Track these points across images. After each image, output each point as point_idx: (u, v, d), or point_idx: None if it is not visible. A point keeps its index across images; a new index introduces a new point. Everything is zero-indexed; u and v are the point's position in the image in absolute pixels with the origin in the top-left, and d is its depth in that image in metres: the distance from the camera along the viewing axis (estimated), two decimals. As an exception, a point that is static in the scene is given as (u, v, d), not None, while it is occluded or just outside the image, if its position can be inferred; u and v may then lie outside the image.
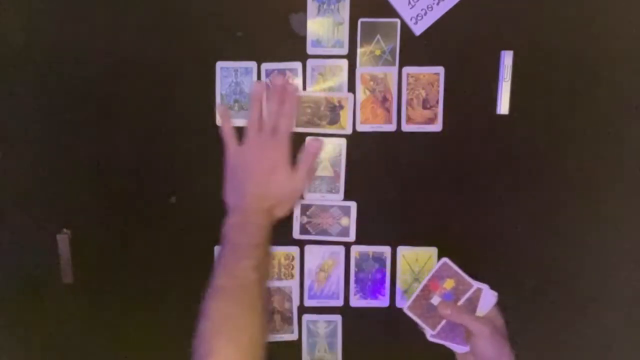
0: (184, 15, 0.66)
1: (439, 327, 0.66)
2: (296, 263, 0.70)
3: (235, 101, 0.67)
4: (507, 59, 0.66)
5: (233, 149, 0.67)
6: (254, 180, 0.65)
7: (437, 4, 0.65)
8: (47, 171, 0.69)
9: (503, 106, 0.67)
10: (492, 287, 0.66)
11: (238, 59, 0.67)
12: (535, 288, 0.71)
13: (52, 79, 0.67)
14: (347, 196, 0.69)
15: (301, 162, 0.67)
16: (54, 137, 0.68)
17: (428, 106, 0.67)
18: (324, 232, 0.70)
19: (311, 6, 0.65)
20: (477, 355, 0.62)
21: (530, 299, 0.71)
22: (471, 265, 0.69)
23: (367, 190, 0.69)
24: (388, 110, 0.67)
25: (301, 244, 0.70)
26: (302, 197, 0.69)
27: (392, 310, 0.71)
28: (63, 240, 0.69)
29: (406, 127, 0.68)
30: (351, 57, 0.67)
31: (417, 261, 0.70)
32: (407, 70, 0.67)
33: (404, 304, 0.67)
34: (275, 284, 0.70)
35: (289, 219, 0.69)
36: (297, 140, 0.67)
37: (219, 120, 0.67)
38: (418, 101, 0.67)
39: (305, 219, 0.69)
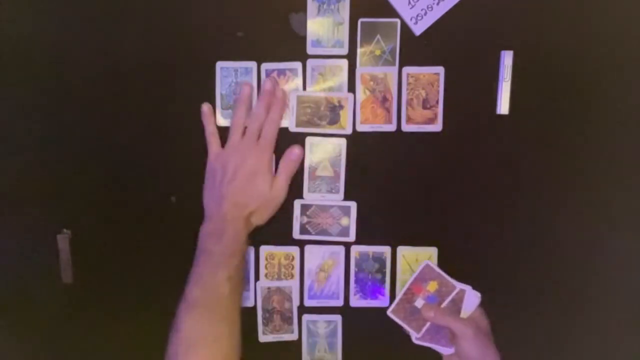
0: (184, 15, 0.66)
1: (423, 330, 0.66)
2: (296, 263, 0.70)
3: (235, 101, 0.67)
4: (507, 59, 0.66)
5: (214, 152, 0.66)
6: (232, 185, 0.63)
7: (437, 4, 0.65)
8: (47, 171, 0.69)
9: (503, 106, 0.67)
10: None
11: (238, 59, 0.67)
12: (536, 288, 0.71)
13: (52, 79, 0.67)
14: (347, 196, 0.69)
15: (281, 170, 0.66)
16: (54, 137, 0.68)
17: (428, 106, 0.67)
18: (324, 232, 0.70)
19: (311, 6, 0.65)
20: (462, 357, 0.62)
21: (530, 299, 0.71)
22: (471, 266, 0.69)
23: (367, 190, 0.69)
24: (388, 110, 0.67)
25: (301, 244, 0.70)
26: (280, 205, 0.67)
27: (392, 310, 0.71)
28: (63, 240, 0.69)
29: (406, 127, 0.68)
30: (351, 57, 0.67)
31: (417, 261, 0.70)
32: (407, 70, 0.67)
33: None
34: (275, 284, 0.70)
35: (289, 219, 0.69)
36: (297, 141, 0.67)
37: (219, 121, 0.67)
38: (418, 101, 0.67)
39: (305, 219, 0.69)
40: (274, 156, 0.66)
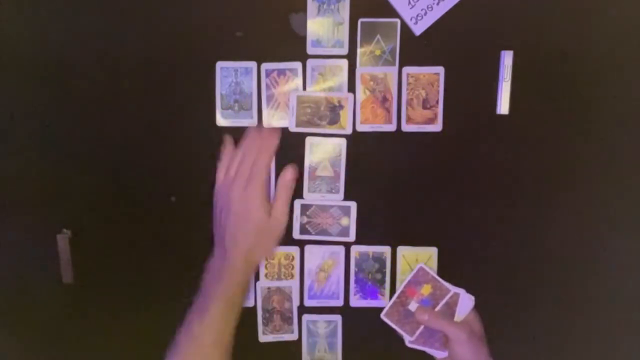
0: (184, 15, 0.66)
1: (417, 333, 0.66)
2: (296, 263, 0.70)
3: (235, 101, 0.67)
4: (507, 59, 0.66)
5: (218, 185, 0.66)
6: (230, 220, 0.63)
7: (437, 4, 0.65)
8: (47, 171, 0.69)
9: (503, 106, 0.67)
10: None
11: (238, 59, 0.67)
12: (536, 288, 0.71)
13: (52, 79, 0.67)
14: (347, 196, 0.69)
15: (278, 195, 0.65)
16: (54, 137, 0.68)
17: (428, 106, 0.67)
18: (324, 232, 0.70)
19: (311, 6, 0.65)
20: None
21: (530, 299, 0.71)
22: (471, 265, 0.69)
23: (367, 190, 0.69)
24: (388, 110, 0.67)
25: (301, 244, 0.70)
26: (284, 234, 0.66)
27: (392, 310, 0.71)
28: (63, 240, 0.69)
29: (406, 127, 0.68)
30: (351, 57, 0.67)
31: (417, 261, 0.70)
32: (407, 70, 0.67)
33: None
34: (275, 284, 0.70)
35: (289, 219, 0.69)
36: (297, 141, 0.67)
37: (219, 121, 0.67)
38: (418, 101, 0.67)
39: (305, 219, 0.69)
40: (270, 179, 0.66)
